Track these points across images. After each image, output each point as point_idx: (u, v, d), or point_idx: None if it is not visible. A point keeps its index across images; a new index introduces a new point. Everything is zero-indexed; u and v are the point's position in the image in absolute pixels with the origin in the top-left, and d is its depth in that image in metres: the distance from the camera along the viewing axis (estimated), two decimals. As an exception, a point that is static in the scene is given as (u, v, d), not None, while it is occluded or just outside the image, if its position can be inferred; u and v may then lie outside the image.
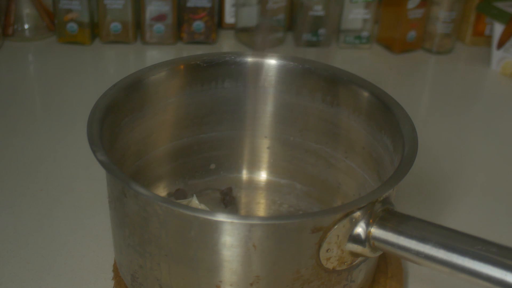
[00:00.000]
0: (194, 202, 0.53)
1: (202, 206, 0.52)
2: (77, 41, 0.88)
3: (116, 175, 0.38)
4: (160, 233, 0.38)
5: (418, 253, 0.37)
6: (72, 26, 0.86)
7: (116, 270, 0.48)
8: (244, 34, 0.90)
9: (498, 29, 0.87)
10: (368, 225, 0.38)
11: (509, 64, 0.86)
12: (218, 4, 0.90)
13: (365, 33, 0.92)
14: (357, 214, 0.37)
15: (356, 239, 0.38)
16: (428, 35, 0.92)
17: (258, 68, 0.52)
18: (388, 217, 0.38)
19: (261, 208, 0.56)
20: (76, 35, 0.87)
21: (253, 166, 0.57)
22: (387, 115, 0.46)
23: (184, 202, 0.52)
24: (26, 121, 0.70)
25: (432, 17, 0.91)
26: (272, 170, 0.57)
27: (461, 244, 0.36)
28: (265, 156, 0.56)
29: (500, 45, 0.86)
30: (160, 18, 0.87)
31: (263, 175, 0.57)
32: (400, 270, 0.49)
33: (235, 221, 0.35)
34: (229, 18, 0.93)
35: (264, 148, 0.56)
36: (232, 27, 0.93)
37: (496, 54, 0.88)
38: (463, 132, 0.74)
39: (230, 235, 0.36)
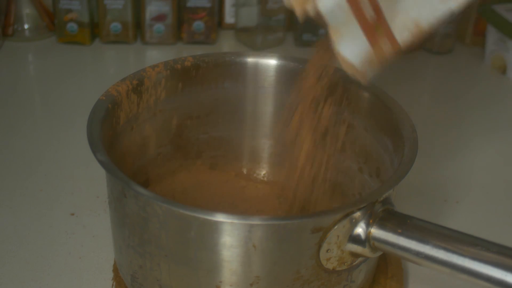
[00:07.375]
0: None
1: None
2: (77, 41, 0.87)
3: (116, 175, 0.38)
4: (160, 233, 0.38)
5: (418, 253, 0.37)
6: (72, 26, 0.86)
7: (116, 270, 0.48)
8: (244, 34, 0.90)
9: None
10: (368, 225, 0.38)
11: (497, 57, 0.87)
12: (218, 4, 0.89)
13: (365, 33, 0.91)
14: (357, 214, 0.37)
15: (356, 239, 0.38)
16: (428, 35, 0.92)
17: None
18: (388, 217, 0.38)
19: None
20: (76, 35, 0.87)
21: (253, 166, 0.57)
22: (387, 115, 0.46)
23: None
24: (26, 121, 0.70)
25: (432, 17, 0.91)
26: (272, 170, 0.57)
27: (461, 244, 0.36)
28: (265, 156, 0.56)
29: None
30: (160, 18, 0.87)
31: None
32: (400, 270, 0.49)
33: (235, 221, 0.35)
34: (229, 18, 0.93)
35: (264, 148, 0.56)
36: (232, 27, 0.93)
37: (488, 48, 0.88)
38: (463, 132, 0.74)
39: (230, 235, 0.36)
